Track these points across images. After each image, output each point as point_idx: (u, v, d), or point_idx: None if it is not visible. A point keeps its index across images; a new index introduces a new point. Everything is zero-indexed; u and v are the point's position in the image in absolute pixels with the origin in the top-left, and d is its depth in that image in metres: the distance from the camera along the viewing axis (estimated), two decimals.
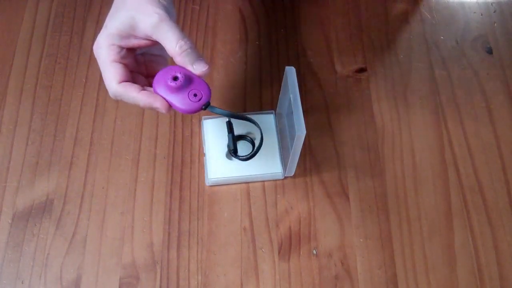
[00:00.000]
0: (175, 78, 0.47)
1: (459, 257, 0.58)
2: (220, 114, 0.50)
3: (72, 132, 0.64)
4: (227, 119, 0.58)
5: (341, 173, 0.62)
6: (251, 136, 0.63)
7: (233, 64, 0.69)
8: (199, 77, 0.49)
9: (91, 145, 0.63)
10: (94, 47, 0.50)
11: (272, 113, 0.65)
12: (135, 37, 0.49)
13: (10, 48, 0.69)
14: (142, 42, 0.49)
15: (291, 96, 0.53)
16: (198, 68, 0.49)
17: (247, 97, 0.67)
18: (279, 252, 0.57)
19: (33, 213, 0.59)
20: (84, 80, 0.67)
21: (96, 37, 0.50)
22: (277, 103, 0.64)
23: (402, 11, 0.74)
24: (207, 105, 0.49)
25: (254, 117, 0.64)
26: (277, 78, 0.68)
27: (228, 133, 0.58)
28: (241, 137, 0.63)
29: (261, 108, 0.66)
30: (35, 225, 0.58)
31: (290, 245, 0.58)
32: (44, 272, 0.56)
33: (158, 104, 0.48)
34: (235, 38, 0.71)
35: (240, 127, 0.63)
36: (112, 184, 0.61)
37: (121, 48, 0.49)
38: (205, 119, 0.64)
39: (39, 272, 0.56)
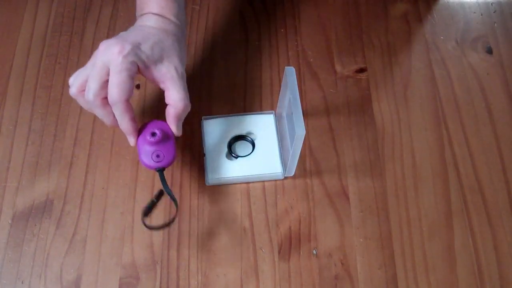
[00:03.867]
0: (153, 134, 0.53)
1: (459, 257, 0.58)
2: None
3: (72, 132, 0.64)
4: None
5: (341, 173, 0.62)
6: (251, 136, 0.63)
7: (233, 64, 0.69)
8: (175, 140, 0.55)
9: (91, 145, 0.63)
10: (120, 49, 0.50)
11: (272, 113, 0.65)
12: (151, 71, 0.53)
13: (10, 48, 0.69)
14: (149, 77, 0.54)
15: (291, 96, 0.53)
16: (177, 129, 0.55)
17: (247, 97, 0.67)
18: (279, 252, 0.57)
19: (33, 213, 0.59)
20: None
21: (106, 39, 0.52)
22: (277, 103, 0.64)
23: (402, 11, 0.74)
24: (160, 170, 0.54)
25: (254, 117, 0.64)
26: (277, 78, 0.68)
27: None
28: (241, 137, 0.63)
29: (261, 108, 0.66)
30: (35, 225, 0.58)
31: (290, 245, 0.58)
32: (44, 272, 0.56)
33: (131, 139, 0.55)
34: (235, 38, 0.71)
35: (240, 127, 0.63)
36: (112, 184, 0.61)
37: (137, 69, 0.52)
38: (205, 119, 0.64)
39: (39, 272, 0.56)
